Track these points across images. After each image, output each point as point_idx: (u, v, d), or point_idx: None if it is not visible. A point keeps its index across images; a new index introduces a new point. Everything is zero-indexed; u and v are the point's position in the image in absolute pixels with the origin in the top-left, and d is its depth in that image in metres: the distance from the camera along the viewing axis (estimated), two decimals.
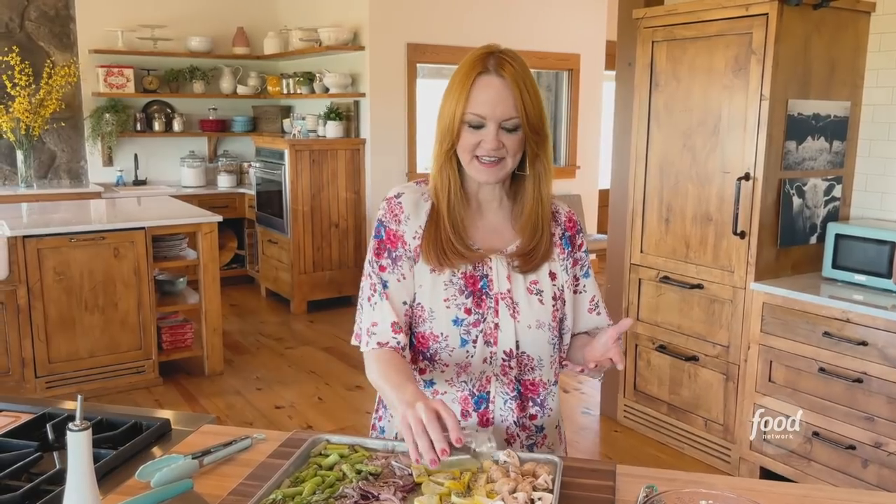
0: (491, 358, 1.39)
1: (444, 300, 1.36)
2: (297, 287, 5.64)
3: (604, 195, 5.76)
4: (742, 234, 3.01)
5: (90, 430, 1.02)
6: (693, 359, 3.30)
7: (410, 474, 1.22)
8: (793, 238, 3.06)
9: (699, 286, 3.23)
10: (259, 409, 3.89)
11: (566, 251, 1.45)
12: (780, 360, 2.94)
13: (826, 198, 3.12)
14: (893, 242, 2.77)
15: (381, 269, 1.39)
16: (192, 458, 1.30)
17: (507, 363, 1.39)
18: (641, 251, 3.50)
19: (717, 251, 3.15)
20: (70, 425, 1.01)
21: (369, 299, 1.39)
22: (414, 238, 1.38)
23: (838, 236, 2.94)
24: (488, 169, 1.33)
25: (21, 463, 1.31)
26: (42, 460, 1.35)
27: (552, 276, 1.42)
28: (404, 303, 1.38)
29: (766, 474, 3.04)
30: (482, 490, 1.16)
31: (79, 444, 1.01)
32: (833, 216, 3.14)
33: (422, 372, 1.42)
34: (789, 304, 2.88)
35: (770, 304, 2.94)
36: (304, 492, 1.16)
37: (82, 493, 1.02)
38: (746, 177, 2.96)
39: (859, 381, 2.68)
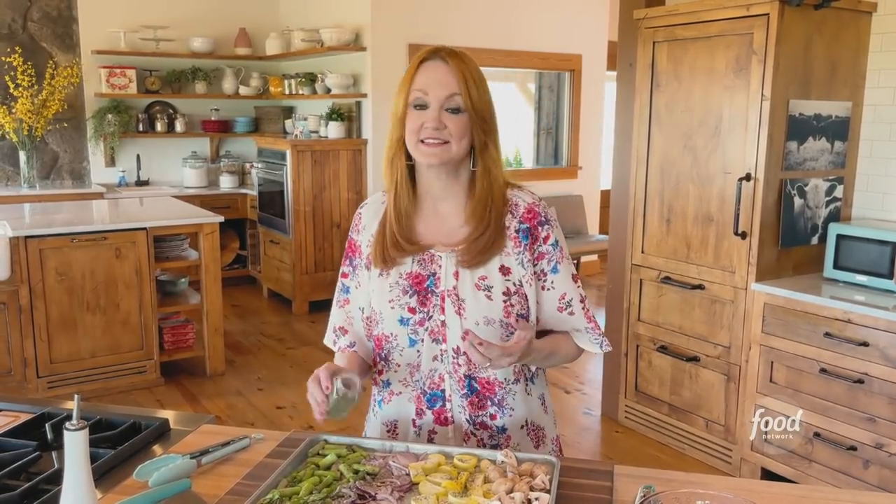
0: (441, 355, 1.39)
1: (389, 301, 1.40)
2: (298, 287, 5.65)
3: (605, 196, 5.76)
4: (743, 235, 3.01)
5: (87, 430, 1.02)
6: (694, 359, 3.29)
7: (408, 474, 1.22)
8: (794, 238, 3.05)
9: (700, 287, 3.22)
10: (260, 410, 3.90)
11: (522, 244, 1.39)
12: (782, 361, 2.93)
13: (827, 198, 3.11)
14: (895, 243, 2.76)
15: (344, 275, 1.51)
16: (191, 458, 1.30)
17: (456, 360, 1.39)
18: (642, 252, 3.50)
19: (718, 252, 3.15)
20: (67, 424, 1.01)
21: (336, 303, 1.52)
22: (367, 246, 1.45)
23: (839, 237, 2.93)
24: (431, 150, 1.34)
25: (20, 462, 1.31)
26: (41, 460, 1.35)
27: (504, 270, 1.38)
28: (360, 308, 1.47)
29: (768, 475, 3.03)
30: (479, 490, 1.16)
31: (76, 444, 1.01)
32: (834, 217, 3.13)
33: (380, 373, 1.47)
34: (790, 304, 2.87)
35: (771, 305, 2.94)
36: (302, 491, 1.16)
37: (79, 493, 1.02)
38: (747, 177, 2.96)
39: (860, 381, 2.68)
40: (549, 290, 1.41)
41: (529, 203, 1.42)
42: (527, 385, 1.45)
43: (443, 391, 1.41)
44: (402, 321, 1.39)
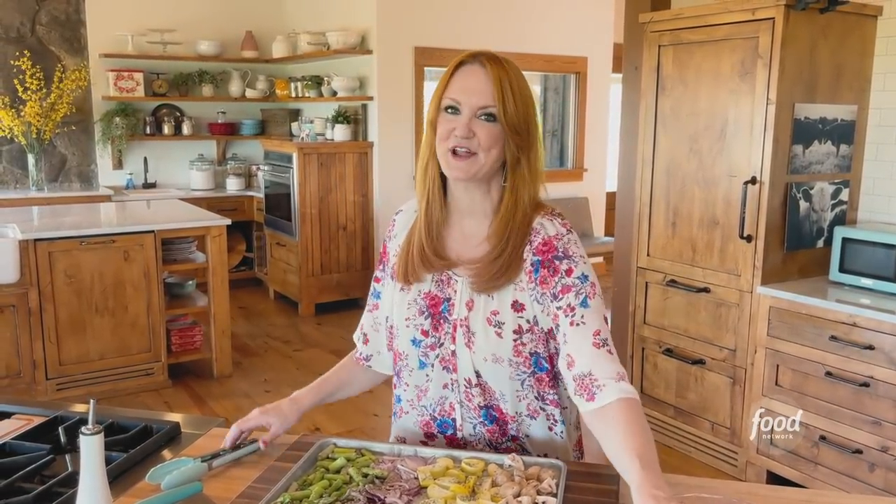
0: (452, 385, 1.35)
1: (406, 319, 1.37)
2: (304, 289, 5.67)
3: (611, 198, 5.77)
4: (749, 238, 3.01)
5: (102, 434, 1.04)
6: (700, 362, 3.30)
7: (416, 478, 1.23)
8: (799, 242, 3.06)
9: (706, 290, 3.23)
10: None
11: (535, 278, 1.29)
12: (787, 364, 2.94)
13: (833, 201, 3.12)
14: None
15: (377, 280, 1.49)
16: (202, 461, 1.32)
17: (469, 390, 1.34)
18: (648, 254, 3.50)
19: (723, 255, 3.15)
20: (83, 429, 1.03)
21: (367, 307, 1.52)
22: (394, 255, 1.43)
23: (845, 240, 2.94)
24: (459, 162, 1.27)
25: (34, 465, 1.33)
26: (54, 463, 1.37)
27: (517, 306, 1.30)
28: (387, 317, 1.45)
29: (774, 478, 3.04)
30: (487, 494, 1.17)
31: (91, 448, 1.03)
32: (840, 220, 3.14)
33: (395, 386, 1.46)
34: (796, 307, 2.88)
35: (777, 308, 2.94)
36: (312, 495, 1.17)
37: (94, 496, 1.04)
38: (753, 180, 2.96)
39: (866, 385, 2.68)
40: (579, 324, 1.26)
41: (551, 235, 1.31)
42: (551, 424, 1.37)
43: (453, 420, 1.37)
44: (414, 342, 1.36)
